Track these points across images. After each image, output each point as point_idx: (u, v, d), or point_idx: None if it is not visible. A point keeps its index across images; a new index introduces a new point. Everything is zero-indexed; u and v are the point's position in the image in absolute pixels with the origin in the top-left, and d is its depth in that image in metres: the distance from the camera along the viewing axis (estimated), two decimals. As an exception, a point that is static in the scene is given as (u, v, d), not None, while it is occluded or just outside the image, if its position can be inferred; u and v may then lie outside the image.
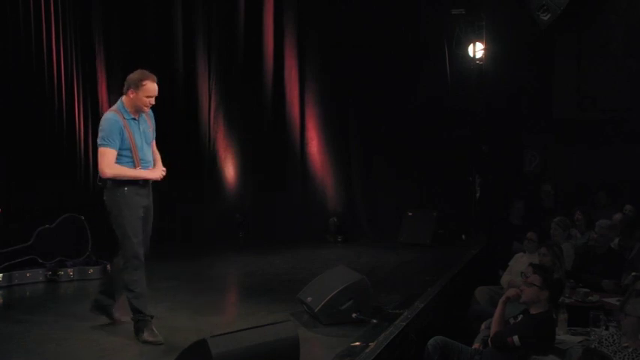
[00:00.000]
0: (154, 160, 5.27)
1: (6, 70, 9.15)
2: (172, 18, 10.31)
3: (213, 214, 10.03)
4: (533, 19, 8.40)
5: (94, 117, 10.21)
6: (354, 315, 5.34)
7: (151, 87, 5.06)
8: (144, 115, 5.16)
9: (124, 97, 5.11)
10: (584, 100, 9.77)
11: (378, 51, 9.57)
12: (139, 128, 5.11)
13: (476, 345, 5.04)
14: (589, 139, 9.65)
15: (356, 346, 4.75)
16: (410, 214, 9.36)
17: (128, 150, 5.02)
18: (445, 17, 9.48)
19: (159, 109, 10.51)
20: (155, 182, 5.27)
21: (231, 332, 4.01)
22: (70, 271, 7.23)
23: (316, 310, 5.36)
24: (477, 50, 9.66)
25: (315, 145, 10.04)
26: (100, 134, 4.97)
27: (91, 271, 7.30)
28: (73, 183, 9.80)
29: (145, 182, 5.15)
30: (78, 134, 10.10)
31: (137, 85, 5.03)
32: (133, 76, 5.08)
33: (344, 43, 9.73)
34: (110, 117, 5.02)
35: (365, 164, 9.90)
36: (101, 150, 4.96)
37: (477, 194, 9.79)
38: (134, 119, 5.09)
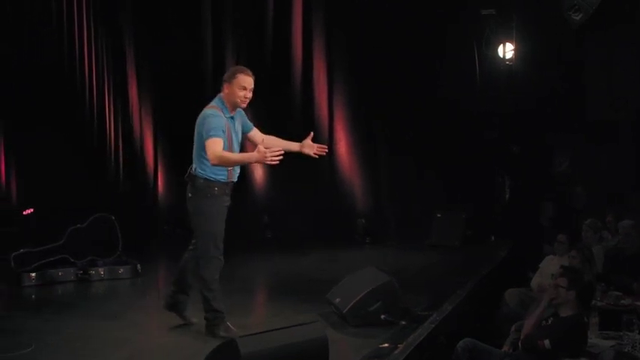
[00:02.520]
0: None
1: (39, 72, 9.30)
2: (201, 20, 10.38)
3: (241, 215, 10.03)
4: (564, 19, 8.30)
5: (124, 118, 10.34)
6: (382, 316, 5.32)
7: (245, 79, 5.00)
8: (239, 115, 5.13)
9: (221, 94, 5.07)
10: (616, 100, 9.63)
11: (406, 52, 9.53)
12: (234, 128, 5.08)
13: (505, 347, 5.01)
14: (621, 140, 9.52)
15: (384, 347, 4.73)
16: (439, 215, 9.32)
17: (226, 148, 4.93)
18: (475, 18, 9.41)
19: (188, 111, 10.63)
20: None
21: (260, 332, 4.02)
22: (101, 271, 7.31)
23: (344, 311, 5.35)
24: (506, 51, 9.58)
25: (343, 146, 10.04)
26: (206, 128, 4.88)
27: (121, 270, 7.37)
28: (103, 183, 9.91)
29: (232, 183, 5.15)
30: (108, 135, 10.22)
31: (230, 78, 5.01)
32: (227, 72, 5.11)
33: (372, 45, 9.70)
34: (212, 113, 4.96)
35: (393, 165, 9.87)
36: (211, 140, 4.84)
37: (507, 195, 9.70)
38: (232, 117, 5.04)
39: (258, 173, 10.34)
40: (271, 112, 10.25)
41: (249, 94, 5.03)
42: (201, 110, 10.08)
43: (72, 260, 7.35)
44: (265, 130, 10.13)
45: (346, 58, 9.99)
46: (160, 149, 10.51)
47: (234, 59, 10.33)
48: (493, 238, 9.35)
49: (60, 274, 7.15)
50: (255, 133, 5.31)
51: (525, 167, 9.75)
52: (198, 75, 10.36)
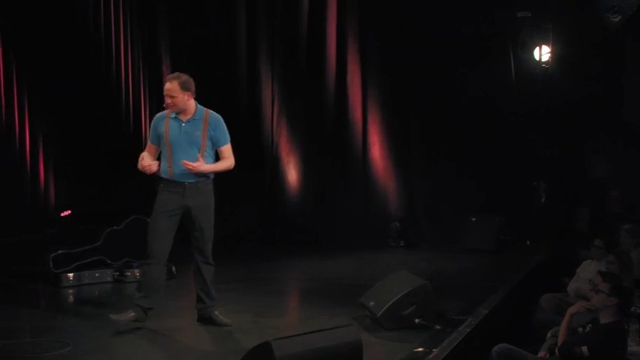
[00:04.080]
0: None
1: (77, 75, 9.44)
2: (236, 24, 10.44)
3: (275, 217, 10.10)
4: (601, 21, 8.20)
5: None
6: (416, 320, 5.30)
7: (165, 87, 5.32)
8: (204, 120, 5.34)
9: None
10: (655, 103, 9.48)
11: (441, 55, 9.49)
12: (182, 129, 5.30)
13: (542, 353, 4.95)
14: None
15: (419, 351, 4.72)
16: (473, 219, 9.25)
17: (164, 146, 5.36)
18: (510, 20, 9.34)
19: (223, 113, 10.69)
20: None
21: (295, 335, 4.03)
22: (137, 272, 7.38)
23: (379, 315, 5.34)
24: (543, 53, 9.48)
25: (377, 150, 10.01)
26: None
27: (156, 272, 7.42)
28: (138, 186, 10.01)
29: (178, 182, 5.33)
30: (144, 137, 10.33)
31: None
32: None
33: (407, 48, 9.67)
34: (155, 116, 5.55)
35: (428, 169, 9.83)
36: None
37: (542, 199, 9.60)
38: (176, 118, 5.33)
39: (292, 177, 10.37)
40: (305, 114, 10.30)
41: (167, 100, 5.30)
42: (235, 114, 10.25)
43: (108, 262, 7.45)
44: (300, 133, 10.25)
45: (381, 60, 9.97)
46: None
47: (268, 63, 10.37)
48: (528, 242, 9.26)
49: (97, 275, 7.24)
50: (222, 151, 5.47)
51: (562, 171, 9.63)
52: (233, 79, 10.43)
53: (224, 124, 5.46)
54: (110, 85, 10.09)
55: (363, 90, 10.05)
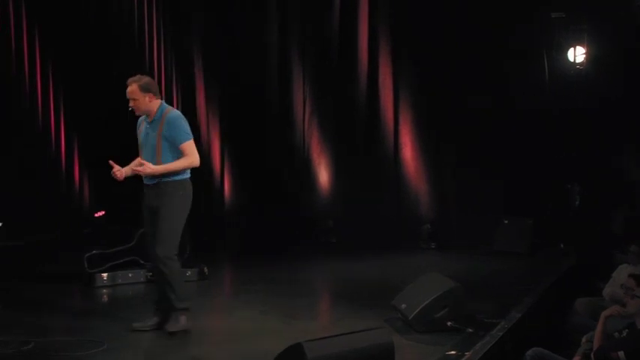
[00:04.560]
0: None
1: (111, 77, 9.55)
2: (267, 25, 10.48)
3: (306, 219, 10.11)
4: (637, 22, 8.09)
5: (191, 124, 10.52)
6: (448, 323, 5.27)
7: None
8: (161, 120, 5.27)
9: None
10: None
11: (474, 56, 9.42)
12: (146, 131, 5.34)
13: (576, 358, 4.88)
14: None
15: (451, 354, 4.69)
16: (505, 221, 9.17)
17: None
18: (544, 21, 9.24)
19: (254, 114, 10.78)
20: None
21: (327, 337, 4.03)
22: (169, 273, 7.43)
23: (410, 318, 5.32)
24: (577, 54, 9.37)
25: (408, 151, 9.98)
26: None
27: (189, 273, 7.47)
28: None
29: (147, 185, 5.36)
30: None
31: None
32: None
33: (438, 48, 9.62)
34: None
35: (459, 170, 9.76)
36: None
37: (577, 202, 9.48)
38: (147, 121, 5.35)
39: (324, 178, 10.38)
40: (337, 116, 10.30)
41: (130, 102, 5.30)
42: (267, 115, 10.31)
43: (141, 262, 7.52)
44: (332, 134, 10.26)
45: (412, 61, 9.93)
46: (227, 154, 10.66)
47: (299, 64, 10.40)
48: (562, 245, 9.15)
49: (130, 275, 7.31)
50: (181, 149, 5.29)
51: (596, 173, 9.51)
52: (265, 80, 10.47)
53: (181, 122, 5.29)
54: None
55: (394, 91, 10.02)
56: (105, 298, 6.92)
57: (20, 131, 9.16)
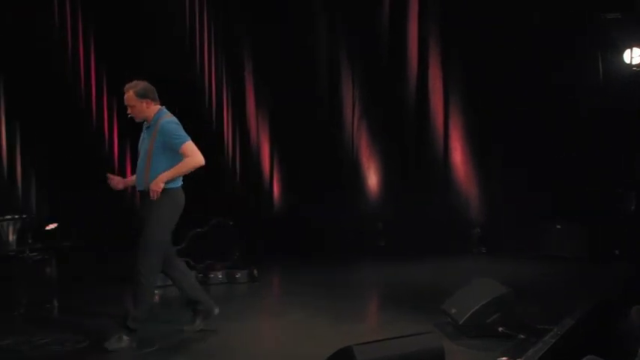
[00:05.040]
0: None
1: (162, 80, 9.68)
2: (316, 28, 10.51)
3: (355, 221, 10.10)
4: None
5: (241, 129, 10.63)
6: (500, 329, 5.20)
7: None
8: (155, 127, 5.19)
9: None
10: None
11: (524, 59, 9.28)
12: (143, 136, 5.30)
13: (632, 367, 4.76)
14: None
15: (503, 360, 4.63)
16: (558, 226, 9.01)
17: None
18: (599, 22, 9.05)
19: (304, 117, 10.79)
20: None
21: (377, 341, 4.01)
22: (219, 274, 7.53)
23: (461, 322, 5.26)
24: (633, 56, 9.15)
25: (458, 155, 9.89)
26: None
27: (238, 275, 7.56)
28: (222, 190, 10.22)
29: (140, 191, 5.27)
30: (226, 143, 10.54)
31: None
32: None
33: (488, 51, 9.51)
34: None
35: (509, 174, 9.62)
36: None
37: (632, 207, 9.25)
38: (145, 126, 5.31)
39: (373, 181, 10.36)
40: (386, 119, 10.27)
41: (128, 109, 5.28)
42: (316, 118, 10.33)
43: (192, 263, 7.61)
44: (381, 137, 10.23)
45: (462, 65, 9.84)
46: (276, 157, 10.72)
47: (349, 68, 10.40)
48: (617, 251, 8.94)
49: (181, 276, 7.40)
50: (181, 153, 5.16)
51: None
52: (314, 83, 10.49)
53: (172, 126, 5.15)
54: (194, 90, 10.34)
55: (444, 95, 9.94)
56: (156, 298, 7.00)
57: (75, 133, 9.36)
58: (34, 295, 6.20)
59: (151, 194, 5.03)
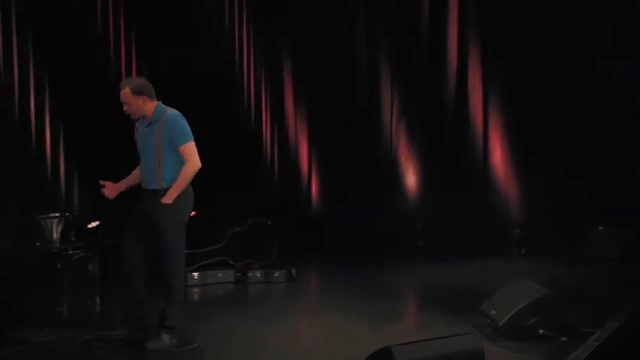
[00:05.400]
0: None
1: (200, 78, 9.79)
2: (355, 27, 10.49)
3: (393, 221, 10.06)
4: None
5: (280, 129, 10.67)
6: (540, 331, 5.13)
7: None
8: (159, 121, 5.10)
9: None
10: None
11: (566, 58, 9.15)
12: (145, 135, 5.17)
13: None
14: None
15: (544, 363, 4.57)
16: (600, 227, 8.87)
17: None
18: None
19: (342, 116, 10.76)
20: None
21: (415, 341, 4.00)
22: (258, 274, 7.57)
23: (501, 324, 5.21)
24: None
25: (498, 155, 9.78)
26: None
27: (277, 274, 7.59)
28: (260, 189, 10.27)
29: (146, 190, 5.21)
30: (265, 142, 10.59)
31: None
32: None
33: (529, 52, 9.39)
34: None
35: (550, 175, 9.49)
36: None
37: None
38: (143, 124, 5.20)
39: (411, 181, 10.31)
40: (425, 118, 10.21)
41: (124, 107, 5.15)
42: (354, 117, 10.31)
43: (231, 262, 7.67)
44: (420, 136, 10.17)
45: (503, 65, 9.72)
46: (315, 156, 10.73)
47: (388, 69, 10.36)
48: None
49: (220, 275, 7.49)
50: (181, 153, 5.10)
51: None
52: (352, 81, 10.48)
53: (180, 122, 5.12)
54: (233, 90, 10.40)
55: (484, 95, 9.85)
56: (196, 296, 7.08)
57: (116, 132, 9.47)
58: (76, 293, 6.30)
59: (167, 201, 5.00)
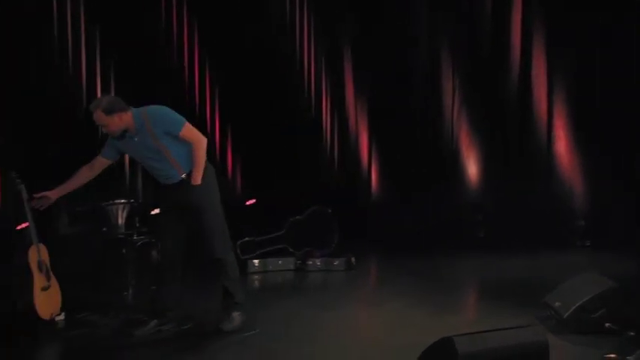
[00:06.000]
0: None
1: (261, 70, 9.85)
2: (416, 16, 10.39)
3: (454, 211, 9.96)
4: None
5: (340, 116, 10.66)
6: (606, 324, 5.02)
7: None
8: (145, 124, 5.05)
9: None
10: None
11: (631, 46, 8.87)
12: (140, 143, 5.11)
13: None
14: None
15: (610, 357, 4.45)
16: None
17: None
18: None
19: (403, 106, 10.65)
20: None
21: (477, 332, 3.95)
22: (317, 262, 7.61)
23: (565, 316, 5.11)
24: None
25: (562, 145, 9.57)
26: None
27: (336, 262, 7.62)
28: (320, 176, 10.30)
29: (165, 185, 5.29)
30: (324, 131, 10.60)
31: None
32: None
33: (593, 40, 9.15)
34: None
35: (617, 165, 9.24)
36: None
37: None
38: (130, 135, 5.11)
39: (472, 171, 10.19)
40: (487, 108, 10.06)
41: (102, 129, 5.11)
42: (413, 106, 10.22)
43: (291, 250, 7.73)
44: (481, 126, 10.03)
45: (567, 53, 9.49)
46: (375, 147, 10.69)
47: (449, 57, 10.22)
48: None
49: (280, 262, 7.56)
50: (183, 138, 5.11)
51: None
52: (412, 71, 10.38)
53: (164, 112, 5.09)
54: (292, 78, 10.44)
55: (548, 83, 9.64)
56: (256, 283, 7.16)
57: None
58: (140, 277, 6.44)
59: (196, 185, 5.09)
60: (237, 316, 5.28)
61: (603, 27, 9.04)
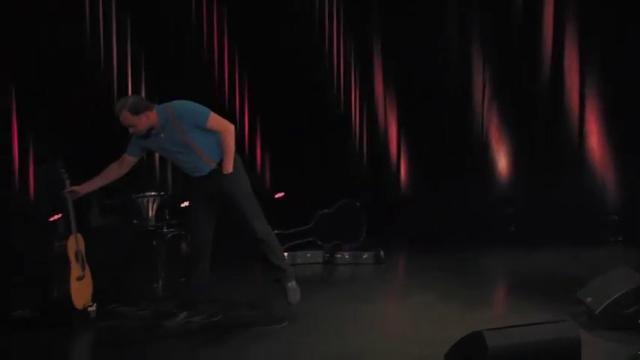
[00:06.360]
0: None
1: (290, 64, 9.86)
2: (447, 9, 10.31)
3: (484, 206, 9.89)
4: None
5: (369, 110, 10.63)
6: (639, 321, 4.95)
7: None
8: (171, 120, 5.07)
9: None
10: None
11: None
12: (167, 140, 5.14)
13: None
14: None
15: (643, 354, 4.40)
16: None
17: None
18: None
19: (432, 99, 10.58)
20: None
21: (507, 327, 3.93)
22: (346, 255, 7.61)
23: (597, 312, 5.05)
24: None
25: (595, 138, 9.45)
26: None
27: (365, 256, 7.62)
28: (349, 170, 10.30)
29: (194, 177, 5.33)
30: (353, 125, 10.58)
31: None
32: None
33: (627, 32, 8.99)
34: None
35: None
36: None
37: None
38: (155, 133, 5.13)
39: (502, 164, 10.10)
40: (518, 101, 9.97)
41: (130, 130, 5.12)
42: (443, 100, 10.16)
43: (319, 243, 7.74)
44: (512, 120, 9.94)
45: (600, 45, 9.36)
46: (404, 140, 10.65)
47: (480, 50, 10.13)
48: None
49: (308, 255, 7.57)
50: (211, 129, 5.15)
51: None
52: (443, 65, 10.31)
53: (189, 106, 5.12)
54: (321, 73, 10.43)
55: (580, 76, 9.51)
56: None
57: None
58: (170, 270, 6.50)
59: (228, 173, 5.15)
60: (292, 287, 5.38)
61: (638, 18, 8.90)
